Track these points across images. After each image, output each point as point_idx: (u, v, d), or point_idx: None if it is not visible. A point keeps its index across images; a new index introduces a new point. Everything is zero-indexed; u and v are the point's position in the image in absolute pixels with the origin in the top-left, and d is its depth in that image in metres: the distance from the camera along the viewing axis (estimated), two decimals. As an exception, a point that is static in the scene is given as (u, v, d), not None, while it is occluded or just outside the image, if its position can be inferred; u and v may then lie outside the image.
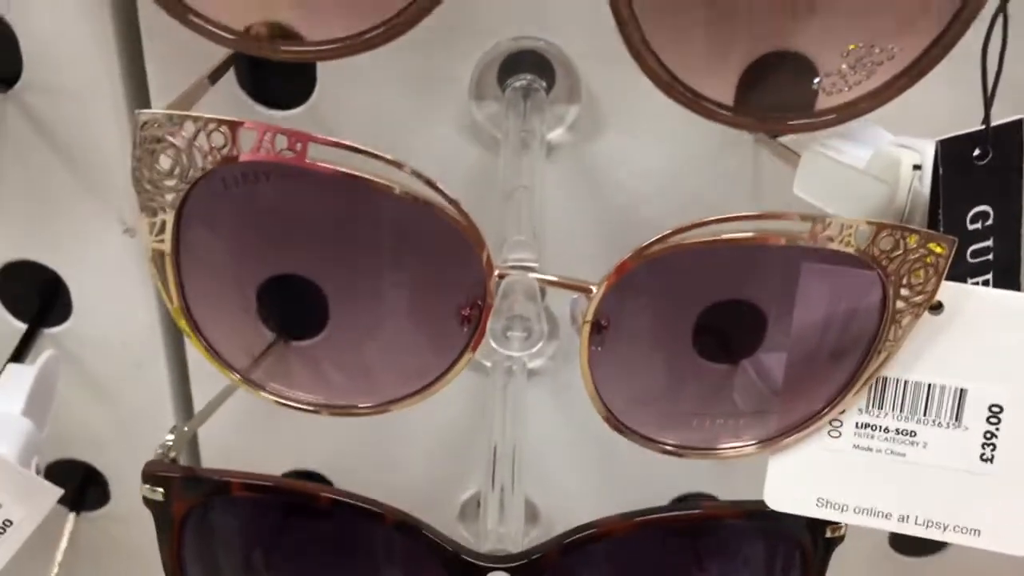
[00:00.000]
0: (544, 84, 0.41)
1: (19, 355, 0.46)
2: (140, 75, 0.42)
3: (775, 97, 0.28)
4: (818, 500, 0.32)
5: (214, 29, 0.27)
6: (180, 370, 0.49)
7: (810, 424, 0.31)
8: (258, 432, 0.49)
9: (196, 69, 0.34)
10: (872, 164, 0.34)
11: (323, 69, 0.41)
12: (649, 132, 0.41)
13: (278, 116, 0.42)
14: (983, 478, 0.31)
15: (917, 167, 0.32)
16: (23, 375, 0.41)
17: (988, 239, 0.30)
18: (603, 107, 0.41)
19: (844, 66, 0.27)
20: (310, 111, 0.41)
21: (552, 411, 0.48)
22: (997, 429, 0.31)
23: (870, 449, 0.32)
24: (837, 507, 0.32)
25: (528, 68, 0.40)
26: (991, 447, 0.31)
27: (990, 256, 0.31)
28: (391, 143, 0.41)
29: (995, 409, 0.30)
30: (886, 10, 0.27)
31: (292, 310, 0.31)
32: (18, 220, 0.44)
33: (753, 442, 0.32)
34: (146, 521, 0.35)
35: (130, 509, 0.50)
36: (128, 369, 0.48)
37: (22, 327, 0.47)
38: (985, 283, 0.31)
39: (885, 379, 0.31)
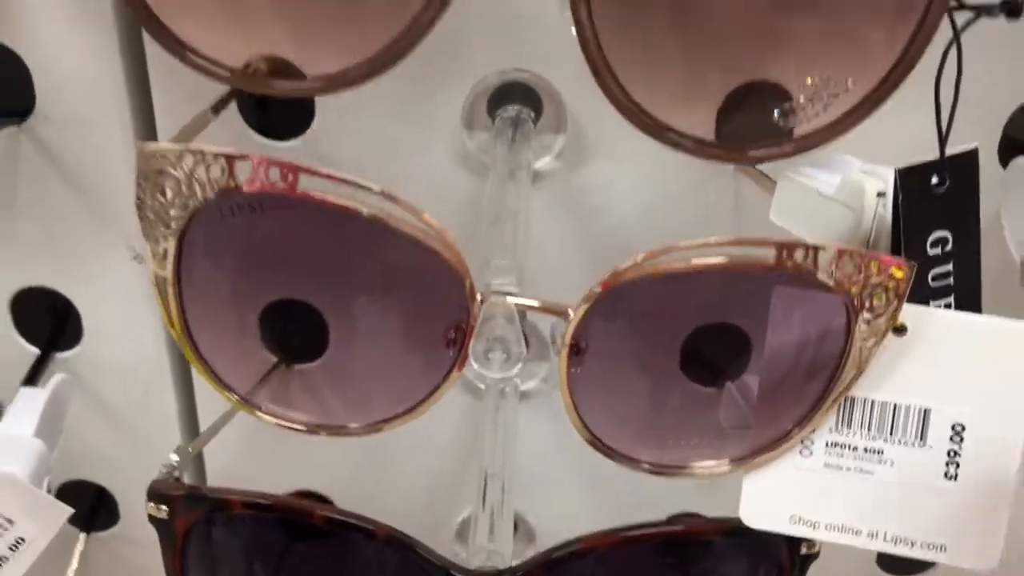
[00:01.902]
0: (532, 114, 0.42)
1: (32, 378, 0.48)
2: (148, 107, 0.44)
3: (738, 130, 0.29)
4: (791, 517, 0.34)
5: (211, 67, 0.29)
6: (187, 392, 0.50)
7: (782, 443, 0.32)
8: (262, 454, 0.51)
9: (201, 100, 0.36)
10: (840, 191, 0.35)
11: (321, 101, 0.42)
12: (633, 160, 0.42)
13: (279, 146, 0.44)
14: (947, 495, 0.32)
15: (881, 194, 0.34)
16: (35, 398, 0.43)
17: (948, 263, 0.32)
18: (589, 136, 0.43)
19: (802, 99, 0.29)
20: (308, 141, 0.43)
21: (546, 432, 0.49)
22: (960, 447, 0.32)
23: (840, 467, 0.33)
24: (810, 524, 0.34)
25: (517, 99, 0.42)
26: (955, 465, 0.32)
27: (951, 279, 0.32)
28: (387, 170, 0.44)
29: (958, 428, 0.32)
30: (840, 46, 0.28)
31: (289, 334, 0.33)
32: (31, 247, 0.46)
33: (727, 461, 0.33)
34: (155, 542, 0.36)
35: (140, 530, 0.51)
36: (137, 391, 0.50)
37: (35, 351, 0.49)
38: (947, 305, 0.32)
39: (853, 399, 0.32)
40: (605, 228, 0.44)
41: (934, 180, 0.31)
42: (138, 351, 0.49)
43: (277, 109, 0.43)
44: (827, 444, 0.33)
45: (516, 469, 0.49)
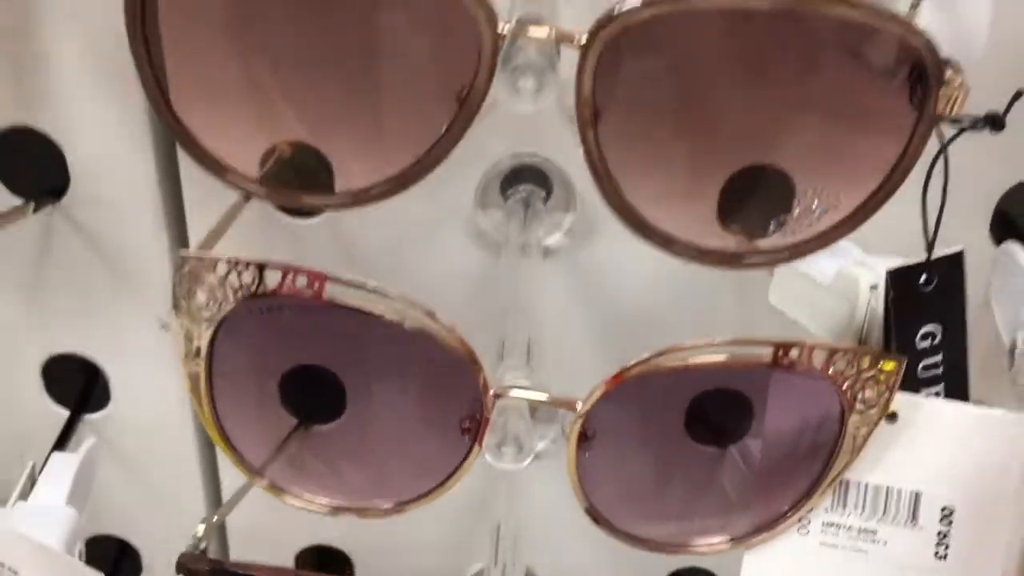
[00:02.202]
0: (543, 194, 0.44)
1: (63, 439, 0.50)
2: (176, 187, 0.46)
3: (739, 235, 0.31)
4: None
5: (247, 184, 0.31)
6: (210, 452, 0.52)
7: (780, 524, 0.34)
8: (280, 509, 0.53)
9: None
10: (836, 282, 0.37)
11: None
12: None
13: (302, 224, 0.45)
14: (938, 573, 0.34)
15: (874, 287, 0.36)
16: (67, 464, 0.45)
17: (937, 355, 0.34)
18: (598, 215, 0.44)
19: (796, 212, 0.31)
20: (330, 220, 0.45)
21: (557, 490, 0.51)
22: (949, 529, 0.34)
23: (835, 546, 0.35)
24: None
25: (528, 180, 0.44)
26: (944, 546, 0.34)
27: (940, 370, 0.34)
28: (406, 249, 0.46)
29: (947, 511, 0.33)
30: (832, 165, 0.30)
31: (314, 422, 0.35)
32: (63, 316, 0.48)
33: (727, 539, 0.35)
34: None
35: (163, 584, 0.54)
36: (162, 453, 0.52)
37: (65, 413, 0.51)
38: (937, 394, 0.34)
39: (847, 481, 0.34)
40: (610, 301, 0.46)
41: (922, 279, 0.32)
42: (163, 412, 0.51)
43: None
44: (823, 524, 0.35)
45: (528, 525, 0.51)
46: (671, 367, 0.32)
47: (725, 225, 0.31)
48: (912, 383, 0.34)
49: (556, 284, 0.46)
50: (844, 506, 0.35)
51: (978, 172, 0.43)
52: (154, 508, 0.54)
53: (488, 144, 0.43)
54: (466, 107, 0.27)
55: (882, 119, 0.30)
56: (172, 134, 0.30)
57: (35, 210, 0.44)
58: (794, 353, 0.31)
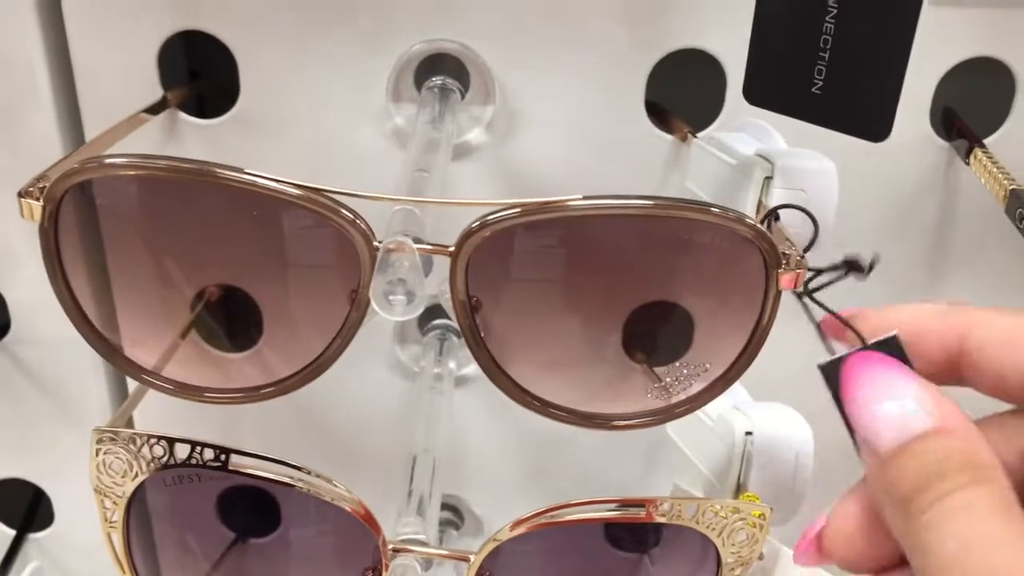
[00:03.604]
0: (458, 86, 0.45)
1: (9, 557, 0.52)
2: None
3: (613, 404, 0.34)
4: None
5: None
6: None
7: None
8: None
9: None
10: (717, 424, 0.40)
11: (245, 81, 0.44)
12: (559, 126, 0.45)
13: (207, 124, 0.45)
14: None
15: (748, 433, 0.39)
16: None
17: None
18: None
19: (668, 380, 0.34)
20: (237, 119, 0.45)
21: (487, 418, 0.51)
22: None
23: None
24: None
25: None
26: (809, 675, 0.37)
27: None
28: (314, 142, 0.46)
29: None
30: (700, 338, 0.33)
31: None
32: (7, 445, 0.51)
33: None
34: None
35: None
36: (107, 568, 0.54)
37: (11, 533, 0.53)
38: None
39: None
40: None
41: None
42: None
43: (205, 88, 0.48)
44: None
45: (463, 462, 0.52)
46: (555, 522, 0.34)
47: (596, 394, 0.34)
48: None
49: (477, 407, 0.49)
50: None
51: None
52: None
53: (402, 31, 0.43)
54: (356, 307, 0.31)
55: (742, 297, 0.33)
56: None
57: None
58: (664, 507, 0.34)
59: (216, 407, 0.47)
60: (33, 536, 0.54)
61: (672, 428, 0.43)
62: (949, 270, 0.46)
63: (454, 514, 0.54)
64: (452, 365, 0.46)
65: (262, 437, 0.50)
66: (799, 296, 0.31)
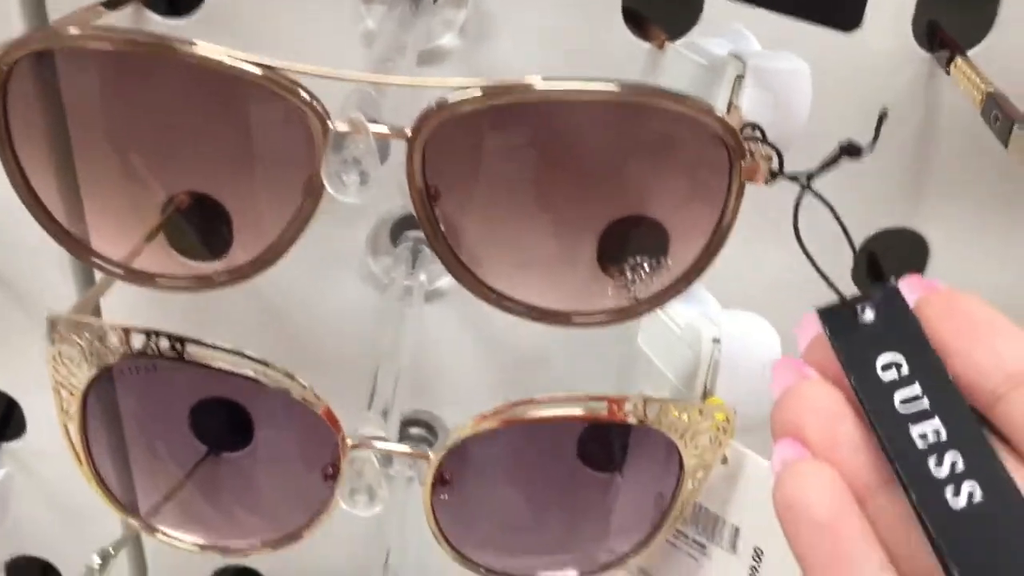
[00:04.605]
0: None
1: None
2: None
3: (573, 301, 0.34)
4: (640, 570, 0.39)
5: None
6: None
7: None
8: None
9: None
10: (685, 332, 0.40)
11: None
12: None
13: (173, 23, 0.44)
14: (749, 604, 0.37)
15: (716, 340, 0.38)
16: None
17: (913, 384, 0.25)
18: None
19: (630, 277, 0.33)
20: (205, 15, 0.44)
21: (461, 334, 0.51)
22: (759, 567, 0.36)
23: (676, 547, 0.38)
24: None
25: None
26: (755, 582, 0.36)
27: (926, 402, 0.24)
28: (302, 286, 0.48)
29: (758, 551, 0.36)
30: (662, 236, 0.33)
31: (185, 470, 0.37)
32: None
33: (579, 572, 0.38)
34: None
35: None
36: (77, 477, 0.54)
37: (-17, 443, 0.53)
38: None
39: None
40: (502, 338, 0.48)
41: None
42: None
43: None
44: (672, 529, 0.37)
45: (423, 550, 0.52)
46: (517, 420, 0.34)
47: (558, 287, 0.33)
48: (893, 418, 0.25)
49: (449, 320, 0.48)
50: (685, 519, 0.37)
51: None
52: (73, 530, 0.56)
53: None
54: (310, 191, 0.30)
55: (707, 190, 0.32)
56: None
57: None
58: (628, 406, 0.34)
59: (186, 311, 0.47)
60: (6, 446, 0.54)
61: (643, 339, 0.43)
62: (926, 184, 0.45)
63: (428, 431, 0.53)
64: (423, 278, 0.46)
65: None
66: (800, 186, 0.30)
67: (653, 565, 0.39)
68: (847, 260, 0.47)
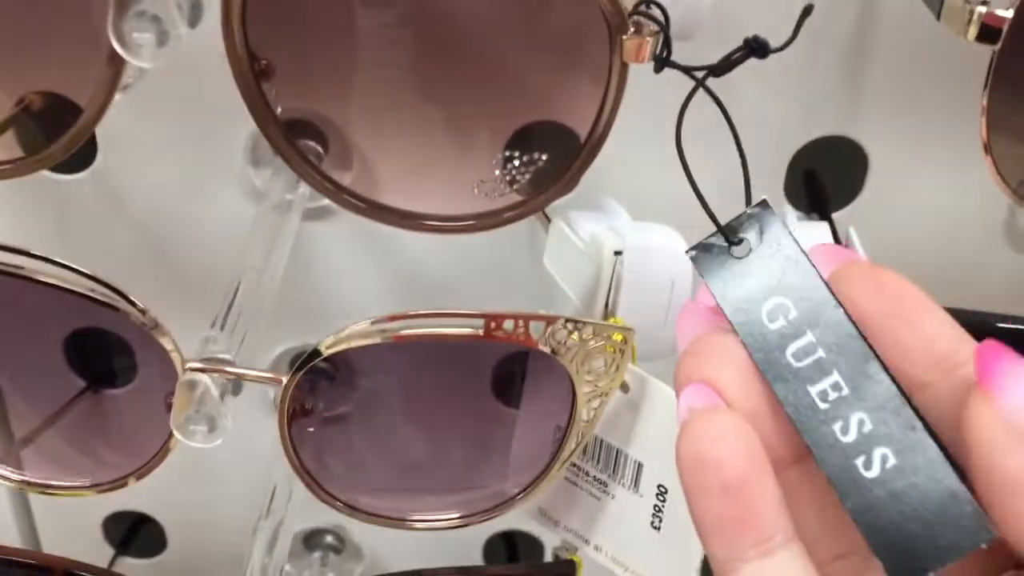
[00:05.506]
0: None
1: None
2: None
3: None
4: (540, 510, 0.35)
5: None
6: None
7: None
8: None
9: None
10: (588, 246, 0.35)
11: (102, 139, 0.41)
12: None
13: (68, 180, 0.43)
14: (653, 543, 0.33)
15: (618, 252, 0.34)
16: None
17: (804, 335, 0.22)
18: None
19: (498, 175, 0.29)
20: (96, 175, 0.42)
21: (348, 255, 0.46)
22: (664, 505, 0.32)
23: (577, 485, 0.34)
24: (552, 522, 0.35)
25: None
26: (659, 519, 0.32)
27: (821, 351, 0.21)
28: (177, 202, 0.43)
29: (662, 488, 0.32)
30: (536, 126, 0.28)
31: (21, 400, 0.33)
32: None
33: (458, 515, 0.33)
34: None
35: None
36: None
37: None
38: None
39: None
40: (397, 262, 0.44)
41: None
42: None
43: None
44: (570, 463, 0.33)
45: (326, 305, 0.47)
46: (378, 342, 0.30)
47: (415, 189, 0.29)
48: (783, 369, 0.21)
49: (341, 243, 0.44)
50: (584, 452, 0.33)
51: (780, 128, 0.42)
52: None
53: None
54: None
55: (589, 71, 0.28)
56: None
57: None
58: (507, 324, 0.30)
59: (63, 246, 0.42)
60: None
61: (548, 259, 0.38)
62: (867, 79, 0.41)
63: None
64: (304, 190, 0.41)
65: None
66: (656, 64, 0.26)
67: (552, 506, 0.36)
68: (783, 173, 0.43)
